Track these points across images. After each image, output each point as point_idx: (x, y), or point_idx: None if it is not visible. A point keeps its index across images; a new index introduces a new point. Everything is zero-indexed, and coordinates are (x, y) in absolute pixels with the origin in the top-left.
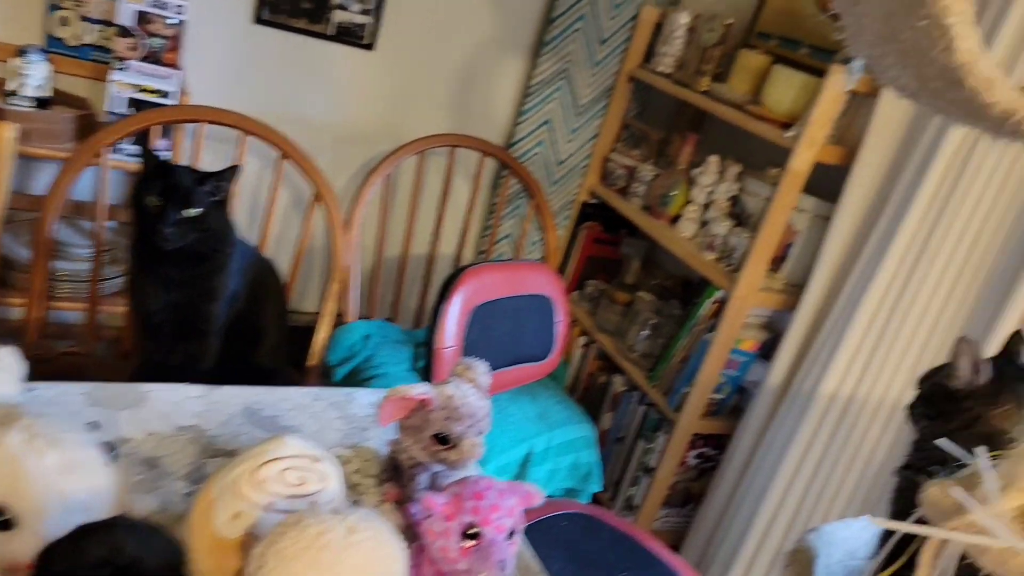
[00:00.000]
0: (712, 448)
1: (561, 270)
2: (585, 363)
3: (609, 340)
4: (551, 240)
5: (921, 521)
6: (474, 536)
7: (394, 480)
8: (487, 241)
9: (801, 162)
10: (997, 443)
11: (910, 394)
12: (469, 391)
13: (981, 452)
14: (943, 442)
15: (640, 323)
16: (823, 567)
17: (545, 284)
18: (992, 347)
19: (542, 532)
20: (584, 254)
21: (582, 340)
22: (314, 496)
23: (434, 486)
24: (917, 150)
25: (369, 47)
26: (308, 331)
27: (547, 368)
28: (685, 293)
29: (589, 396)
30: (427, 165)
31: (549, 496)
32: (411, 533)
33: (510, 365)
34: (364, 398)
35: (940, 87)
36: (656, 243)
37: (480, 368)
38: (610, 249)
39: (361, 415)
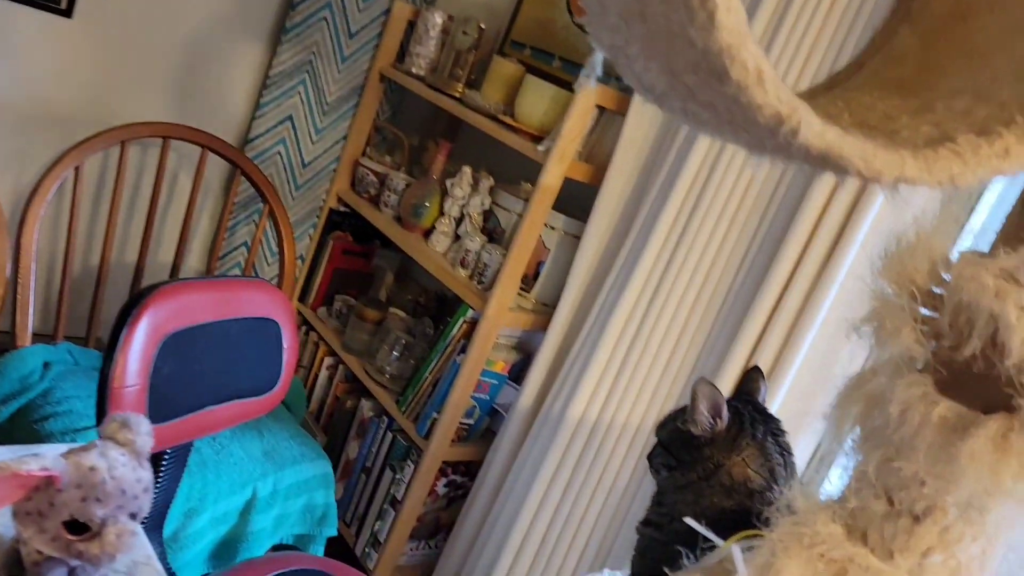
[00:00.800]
0: (462, 475)
1: (306, 283)
2: (331, 386)
3: (357, 361)
4: (288, 250)
5: None
6: None
7: None
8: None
9: (552, 177)
10: (741, 495)
11: (652, 419)
12: (119, 460)
13: (736, 549)
14: (690, 520)
15: (391, 343)
16: None
17: (269, 305)
18: (732, 373)
19: None
20: (332, 266)
21: (328, 361)
22: None
23: None
24: (662, 170)
25: (67, 13)
26: None
27: (272, 402)
28: (440, 310)
29: (335, 423)
30: (144, 159)
31: (276, 546)
32: None
33: (223, 402)
34: None
35: (695, 83)
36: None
37: (140, 427)
38: (361, 261)
39: None
